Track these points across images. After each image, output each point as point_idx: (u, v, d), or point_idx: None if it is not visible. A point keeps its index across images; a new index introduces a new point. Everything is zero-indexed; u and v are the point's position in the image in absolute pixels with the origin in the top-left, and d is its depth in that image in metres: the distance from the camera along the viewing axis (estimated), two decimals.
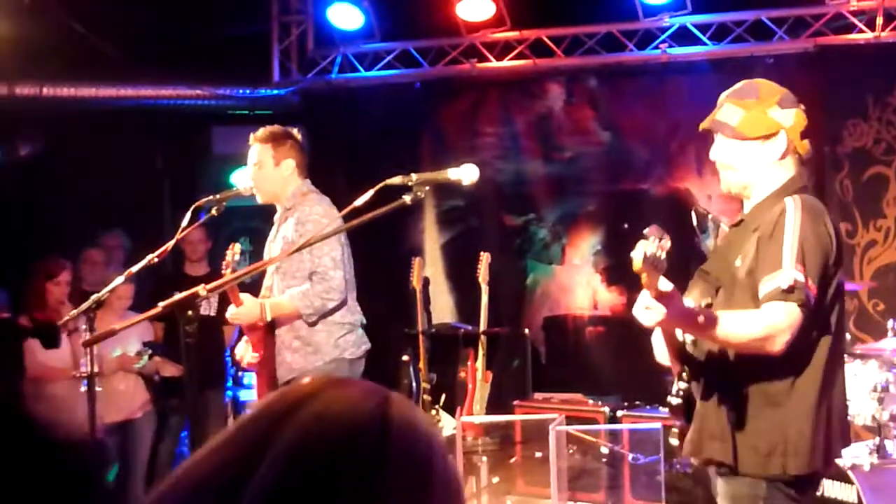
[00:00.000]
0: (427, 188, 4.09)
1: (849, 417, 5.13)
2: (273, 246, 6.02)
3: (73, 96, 9.18)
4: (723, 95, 3.92)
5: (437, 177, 4.17)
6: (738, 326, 3.59)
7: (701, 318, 3.55)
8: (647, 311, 3.47)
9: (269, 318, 5.74)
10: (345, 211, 4.25)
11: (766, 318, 3.57)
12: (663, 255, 3.29)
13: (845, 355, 6.28)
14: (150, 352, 7.69)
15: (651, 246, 3.23)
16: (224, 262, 5.71)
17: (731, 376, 3.76)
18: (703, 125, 3.93)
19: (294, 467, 1.17)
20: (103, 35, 8.77)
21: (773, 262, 3.59)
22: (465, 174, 4.14)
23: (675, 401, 3.91)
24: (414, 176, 4.09)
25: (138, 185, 9.94)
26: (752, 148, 3.81)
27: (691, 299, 3.81)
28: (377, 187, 4.11)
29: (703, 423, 3.83)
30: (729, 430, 3.73)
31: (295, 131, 6.16)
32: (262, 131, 6.06)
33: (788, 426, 3.70)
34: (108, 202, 9.32)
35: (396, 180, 4.12)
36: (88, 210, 9.37)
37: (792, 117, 3.82)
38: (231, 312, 5.66)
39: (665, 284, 3.42)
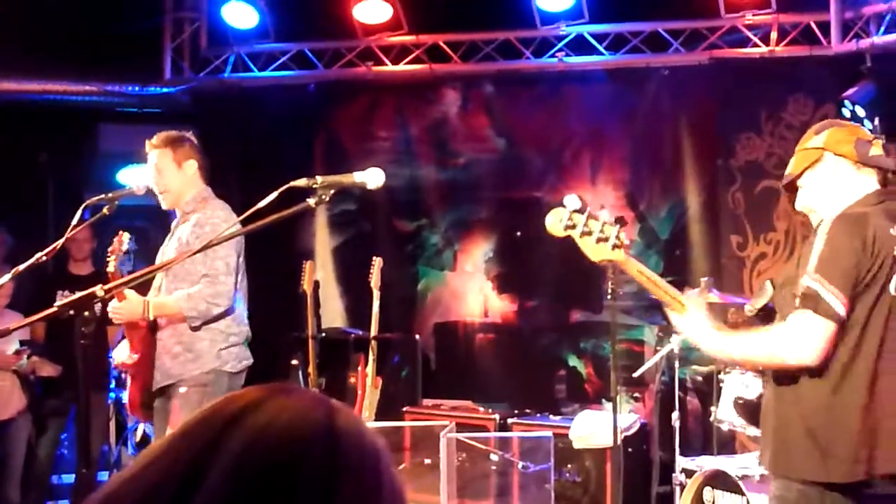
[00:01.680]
0: (332, 192, 4.07)
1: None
2: (168, 248, 5.99)
3: None
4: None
5: (342, 180, 4.14)
6: (755, 346, 3.79)
7: (720, 344, 3.80)
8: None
9: (150, 317, 5.70)
10: (248, 213, 4.15)
11: (781, 330, 3.74)
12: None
13: (731, 368, 6.27)
14: (28, 351, 7.71)
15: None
16: (110, 250, 5.71)
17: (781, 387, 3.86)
18: (782, 184, 4.21)
19: (243, 477, 1.19)
20: None
21: (799, 274, 3.76)
22: (371, 178, 4.14)
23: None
24: (319, 179, 4.06)
25: (21, 181, 9.85)
26: (806, 181, 4.00)
27: (756, 301, 3.99)
28: (281, 189, 4.08)
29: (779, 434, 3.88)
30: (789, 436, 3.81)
31: (190, 134, 6.15)
32: (157, 137, 6.04)
33: (832, 432, 3.72)
34: None
35: (301, 182, 4.08)
36: None
37: (825, 136, 4.02)
38: (112, 307, 5.61)
39: (689, 301, 3.75)
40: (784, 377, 3.80)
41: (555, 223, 3.74)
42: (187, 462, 1.19)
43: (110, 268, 5.68)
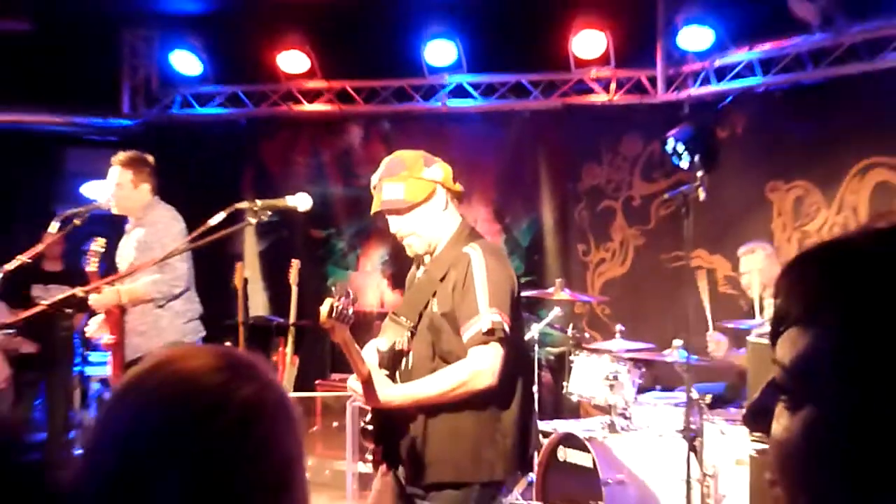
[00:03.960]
0: (269, 212, 4.21)
1: (536, 424, 5.05)
2: (125, 249, 6.16)
3: None
4: (375, 179, 3.82)
5: (277, 203, 4.25)
6: (434, 388, 3.60)
7: (405, 396, 3.59)
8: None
9: (124, 302, 5.88)
10: (201, 229, 4.27)
11: (468, 364, 3.57)
12: (350, 311, 3.35)
13: (580, 350, 6.79)
14: (15, 332, 7.99)
15: (338, 302, 3.28)
16: (90, 252, 5.87)
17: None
18: (375, 209, 3.82)
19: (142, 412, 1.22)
20: None
21: (469, 309, 3.58)
22: (300, 202, 4.27)
23: (368, 427, 3.79)
24: (258, 202, 4.20)
25: (1, 192, 10.12)
26: (423, 211, 3.74)
27: (385, 340, 3.77)
28: (228, 210, 4.27)
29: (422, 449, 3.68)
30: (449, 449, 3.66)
31: (150, 158, 6.31)
32: (124, 156, 6.21)
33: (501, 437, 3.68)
34: None
35: (244, 205, 4.25)
36: None
37: (440, 170, 3.80)
38: (92, 298, 5.76)
39: (365, 367, 3.50)
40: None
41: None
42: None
43: (91, 267, 5.87)
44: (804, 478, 0.99)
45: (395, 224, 3.80)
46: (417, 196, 3.71)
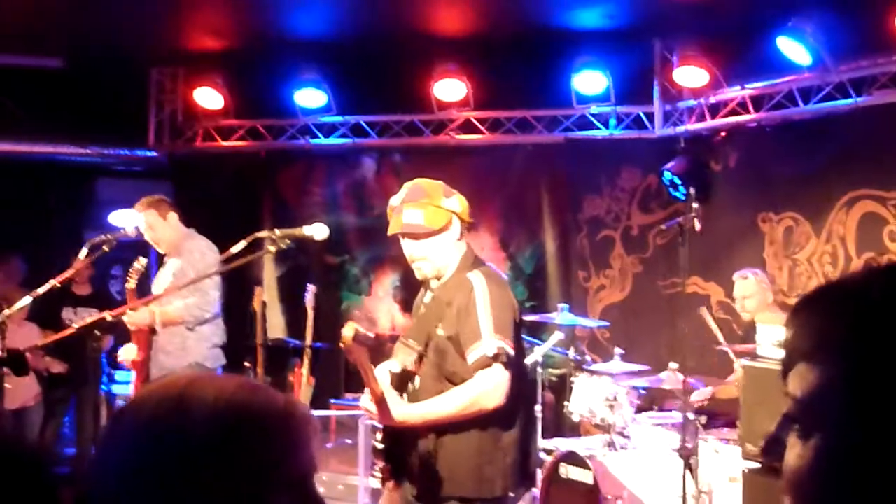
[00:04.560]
0: (288, 241, 4.25)
1: (536, 443, 5.24)
2: (163, 277, 6.29)
3: None
4: (396, 201, 3.83)
5: (294, 232, 4.30)
6: (445, 408, 3.60)
7: (418, 415, 3.57)
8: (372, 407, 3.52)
9: (158, 324, 5.98)
10: (225, 255, 4.40)
11: (477, 385, 3.58)
12: (371, 334, 3.36)
13: (581, 371, 6.86)
14: (44, 353, 8.04)
15: (360, 325, 3.29)
16: (132, 270, 6.03)
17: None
18: (394, 231, 3.80)
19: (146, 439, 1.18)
20: (16, 101, 9.11)
21: (473, 334, 3.58)
22: (317, 231, 4.34)
23: (380, 446, 3.76)
24: (277, 231, 4.25)
25: (34, 220, 10.23)
26: (438, 239, 3.75)
27: (397, 362, 3.77)
28: (249, 239, 4.34)
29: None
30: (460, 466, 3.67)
31: (162, 195, 6.47)
32: (142, 202, 6.32)
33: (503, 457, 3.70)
34: (10, 232, 9.64)
35: (264, 234, 4.30)
36: None
37: (458, 202, 3.82)
38: (127, 315, 5.84)
39: (379, 387, 3.45)
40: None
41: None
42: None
43: (131, 285, 6.03)
44: (816, 502, 1.03)
45: (410, 248, 3.81)
46: (436, 224, 3.73)
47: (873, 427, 0.98)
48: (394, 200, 3.84)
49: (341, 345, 3.27)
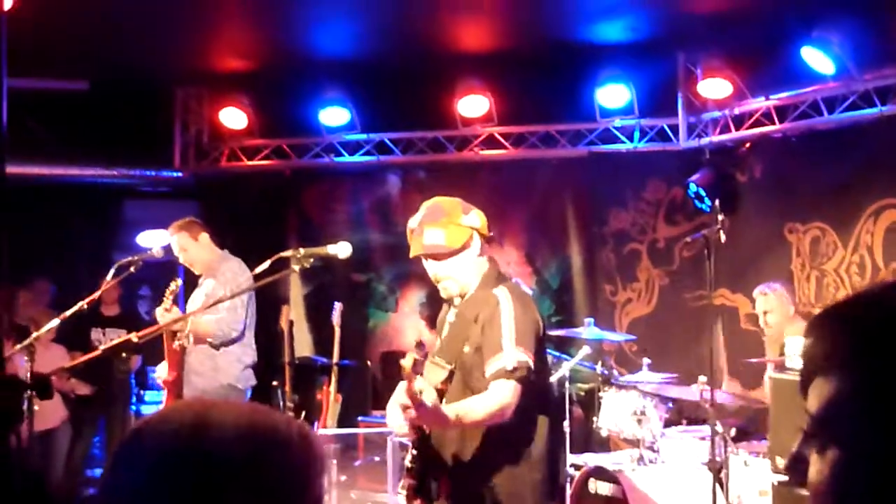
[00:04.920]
0: (311, 260, 4.26)
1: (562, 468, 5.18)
2: (196, 297, 6.39)
3: (14, 173, 9.29)
4: (415, 223, 3.84)
5: (318, 251, 4.32)
6: (476, 410, 3.58)
7: (449, 417, 3.52)
8: (401, 410, 3.53)
9: (188, 330, 6.06)
10: (249, 274, 4.29)
11: (496, 395, 3.58)
12: (422, 357, 3.37)
13: (609, 386, 6.83)
14: (69, 374, 8.08)
15: (418, 354, 3.33)
16: (168, 290, 6.06)
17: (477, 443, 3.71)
18: (416, 253, 3.81)
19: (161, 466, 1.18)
20: (43, 125, 9.10)
21: (494, 346, 3.60)
22: (341, 250, 4.34)
23: (409, 465, 3.77)
24: (301, 250, 4.26)
25: (63, 242, 10.28)
26: (461, 257, 3.77)
27: (426, 382, 3.65)
28: (273, 259, 4.31)
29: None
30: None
31: (192, 217, 6.57)
32: (173, 226, 6.43)
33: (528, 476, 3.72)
34: (39, 255, 9.48)
35: (287, 253, 4.29)
36: (21, 259, 10.07)
37: (477, 217, 3.83)
38: (159, 314, 5.96)
39: (428, 396, 3.46)
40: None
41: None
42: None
43: (166, 304, 6.04)
44: None
45: (433, 268, 3.82)
46: (457, 242, 3.74)
47: (887, 437, 0.99)
48: (412, 222, 3.86)
49: (404, 374, 3.30)
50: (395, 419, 3.63)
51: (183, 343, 6.20)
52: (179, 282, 6.39)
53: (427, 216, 3.80)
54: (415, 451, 3.75)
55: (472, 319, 3.73)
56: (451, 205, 3.83)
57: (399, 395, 3.61)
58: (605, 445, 7.98)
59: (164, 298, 6.15)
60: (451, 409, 3.58)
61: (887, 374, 1.00)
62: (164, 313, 6.01)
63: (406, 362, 3.28)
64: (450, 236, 3.73)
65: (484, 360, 3.64)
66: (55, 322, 5.56)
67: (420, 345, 3.36)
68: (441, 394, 3.78)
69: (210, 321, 6.24)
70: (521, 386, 3.59)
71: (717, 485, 5.53)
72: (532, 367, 3.62)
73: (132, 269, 5.84)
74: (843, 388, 1.03)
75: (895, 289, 1.05)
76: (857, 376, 1.02)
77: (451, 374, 3.76)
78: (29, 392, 4.91)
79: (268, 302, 8.27)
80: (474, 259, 3.80)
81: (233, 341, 6.32)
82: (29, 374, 4.62)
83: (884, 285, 1.07)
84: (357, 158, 9.72)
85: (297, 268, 4.30)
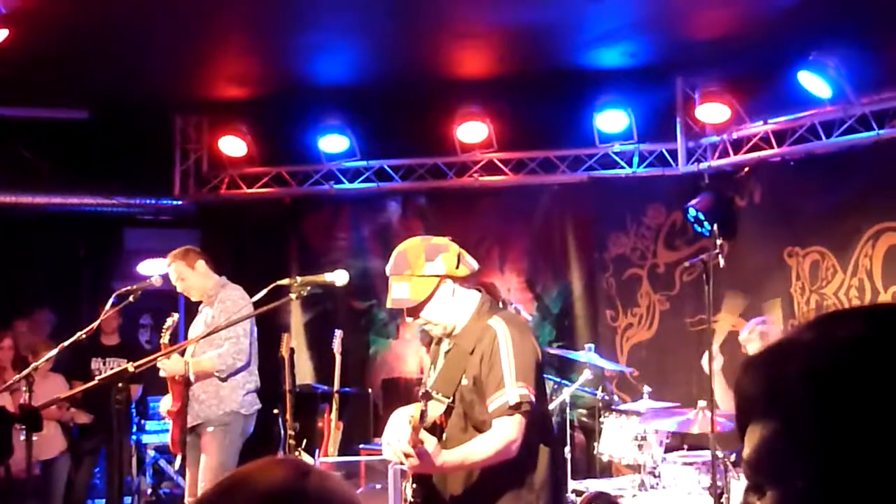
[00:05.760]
0: (308, 287, 4.28)
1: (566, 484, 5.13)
2: (196, 326, 6.39)
3: (14, 203, 9.55)
4: (388, 271, 3.80)
5: (315, 279, 4.35)
6: (481, 451, 3.61)
7: (453, 462, 3.56)
8: (402, 457, 3.51)
9: (191, 375, 6.08)
10: (250, 302, 4.31)
11: (501, 432, 3.59)
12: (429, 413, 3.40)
13: (610, 411, 6.84)
14: (68, 404, 8.11)
15: (424, 406, 3.34)
16: (165, 327, 6.08)
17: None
18: (389, 306, 3.83)
19: None
20: (42, 154, 9.27)
21: (496, 382, 3.60)
22: (338, 278, 4.38)
23: (412, 499, 3.76)
24: (298, 278, 4.27)
25: (63, 271, 10.38)
26: (432, 304, 3.73)
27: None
28: (270, 287, 4.31)
29: None
30: None
31: (192, 246, 6.60)
32: (170, 256, 6.47)
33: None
34: (39, 284, 9.87)
35: (284, 281, 4.29)
36: (21, 290, 9.91)
37: (442, 263, 3.74)
38: (161, 363, 5.96)
39: (430, 444, 3.47)
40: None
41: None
42: None
43: (164, 339, 6.07)
44: None
45: (409, 316, 3.82)
46: (422, 294, 3.71)
47: (815, 474, 1.01)
48: (386, 268, 3.83)
49: (411, 424, 3.34)
50: (389, 450, 3.64)
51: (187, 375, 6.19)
52: (177, 317, 6.38)
53: (393, 268, 3.78)
54: (415, 485, 3.75)
55: (469, 352, 3.72)
56: (414, 253, 3.77)
57: (393, 427, 3.66)
58: (607, 471, 7.95)
59: (162, 333, 6.18)
60: (457, 453, 3.61)
61: (807, 421, 1.01)
62: (165, 361, 6.02)
63: (414, 413, 3.31)
64: (414, 289, 3.71)
65: (485, 396, 3.64)
66: (53, 352, 5.62)
67: (427, 395, 3.37)
68: (439, 428, 3.78)
69: (211, 358, 6.25)
70: (524, 420, 3.61)
71: None
72: (533, 400, 3.64)
73: (131, 298, 5.84)
74: (766, 434, 1.05)
75: (811, 330, 1.06)
76: (779, 424, 1.04)
77: (450, 408, 3.75)
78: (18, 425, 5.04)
79: (268, 330, 8.26)
80: (448, 302, 3.76)
81: (238, 371, 6.34)
82: (26, 404, 4.68)
83: (800, 327, 1.08)
84: (357, 185, 9.74)
85: (294, 296, 4.30)
